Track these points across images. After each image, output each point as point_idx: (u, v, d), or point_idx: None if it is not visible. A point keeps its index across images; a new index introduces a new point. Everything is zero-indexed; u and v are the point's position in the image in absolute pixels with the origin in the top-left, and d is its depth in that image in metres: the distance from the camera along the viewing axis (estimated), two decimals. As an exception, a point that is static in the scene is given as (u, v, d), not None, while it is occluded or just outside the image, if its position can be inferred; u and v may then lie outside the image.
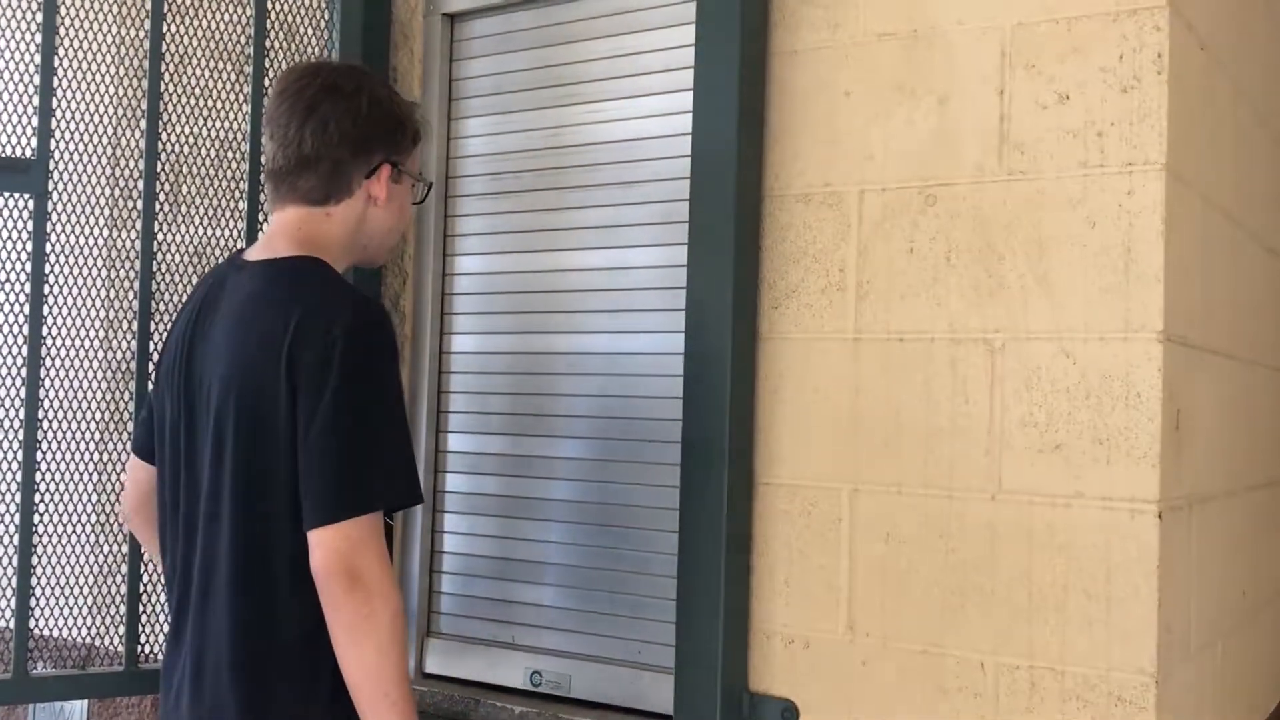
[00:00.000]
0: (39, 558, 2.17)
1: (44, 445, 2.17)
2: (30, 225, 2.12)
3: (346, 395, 1.67)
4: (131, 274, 2.25)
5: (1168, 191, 1.75)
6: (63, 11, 2.16)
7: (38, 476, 2.15)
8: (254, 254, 1.85)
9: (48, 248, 2.14)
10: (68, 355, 2.20)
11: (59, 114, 2.16)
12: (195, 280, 2.28)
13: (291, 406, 1.68)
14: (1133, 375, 1.75)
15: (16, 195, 2.12)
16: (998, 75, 1.86)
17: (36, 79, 2.13)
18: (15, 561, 2.14)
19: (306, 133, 1.80)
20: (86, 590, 2.26)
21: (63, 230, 2.18)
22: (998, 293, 1.85)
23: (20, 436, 2.14)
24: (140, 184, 2.23)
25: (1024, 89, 1.84)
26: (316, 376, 1.67)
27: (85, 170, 2.20)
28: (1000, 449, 1.84)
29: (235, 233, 2.33)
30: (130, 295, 2.25)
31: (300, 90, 1.83)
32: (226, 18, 2.34)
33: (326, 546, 1.66)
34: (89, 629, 2.29)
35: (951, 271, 1.88)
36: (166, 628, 1.90)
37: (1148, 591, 1.73)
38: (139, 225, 2.23)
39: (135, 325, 2.23)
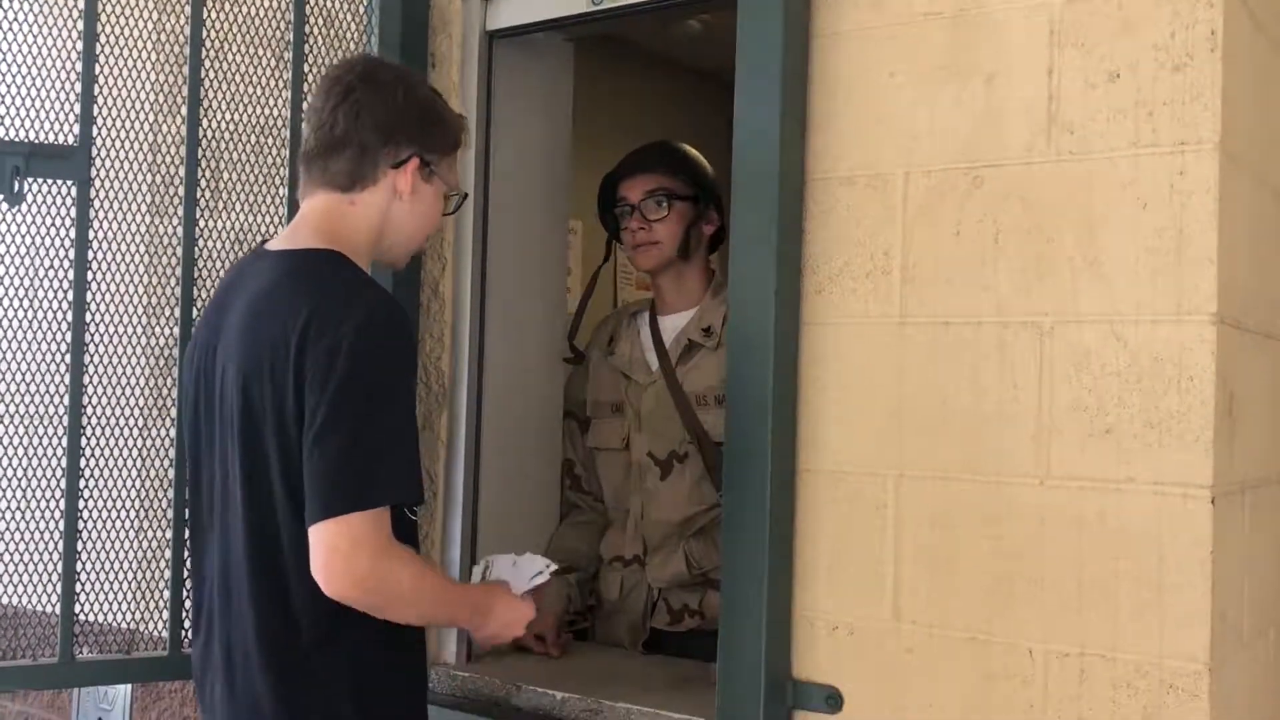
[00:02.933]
0: (83, 544, 2.18)
1: (87, 432, 2.18)
2: (73, 212, 2.13)
3: (350, 391, 1.65)
4: (173, 261, 2.26)
5: (1221, 171, 1.72)
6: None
7: (81, 463, 2.17)
8: (276, 244, 1.85)
9: (90, 235, 2.15)
10: (110, 342, 2.21)
11: (101, 101, 2.17)
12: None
13: (299, 401, 1.66)
14: (1185, 358, 1.72)
15: (60, 182, 2.13)
16: (1046, 54, 1.83)
17: (79, 67, 2.14)
18: (61, 548, 2.15)
19: (339, 115, 1.80)
20: (130, 576, 2.27)
21: (105, 217, 2.19)
22: (1047, 275, 1.82)
23: (64, 424, 2.15)
24: (181, 171, 2.24)
25: (1073, 68, 1.81)
26: (323, 371, 1.65)
27: (127, 157, 2.21)
28: (1049, 434, 1.81)
29: (276, 219, 2.33)
30: (172, 282, 2.26)
31: (339, 78, 1.85)
32: (266, 5, 2.34)
33: (323, 545, 1.63)
34: (133, 615, 2.30)
35: (999, 254, 1.86)
36: (194, 619, 1.90)
37: (1201, 578, 1.70)
38: (180, 212, 2.24)
39: (177, 312, 2.24)
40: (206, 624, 1.84)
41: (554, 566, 2.03)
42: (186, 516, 2.10)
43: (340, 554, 1.62)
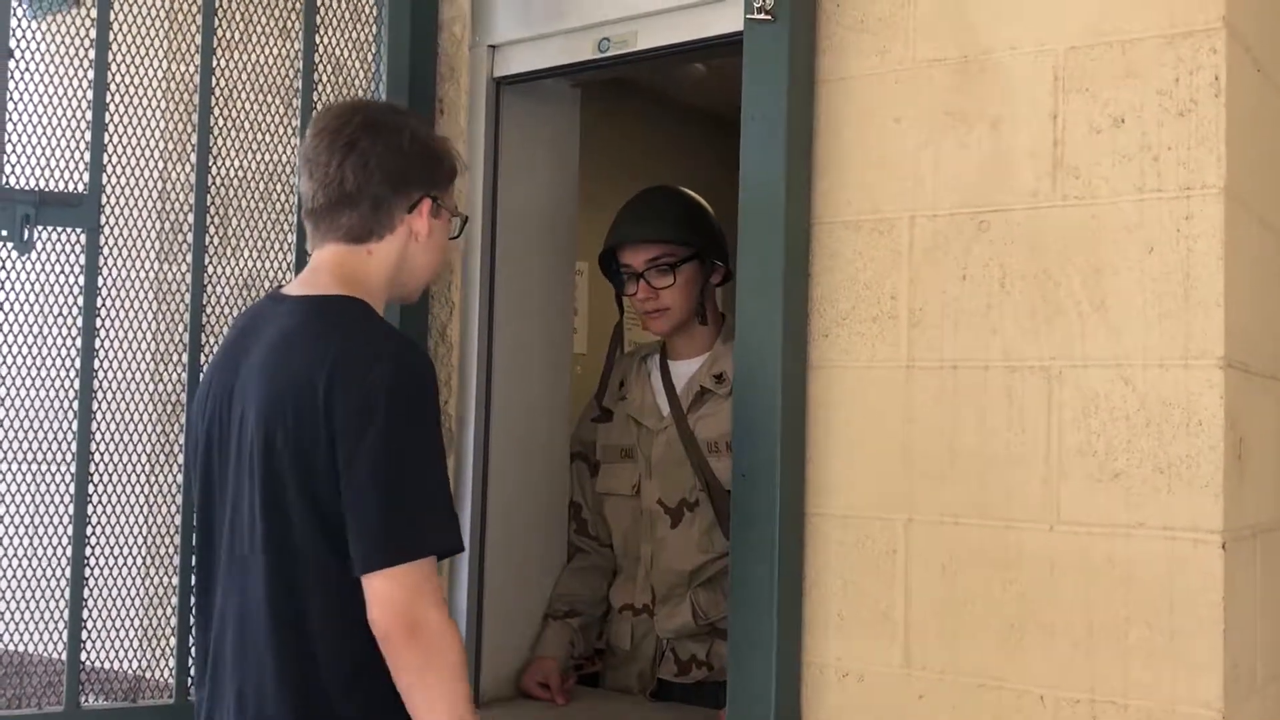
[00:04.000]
0: (90, 590, 2.17)
1: (95, 478, 2.18)
2: (83, 259, 2.14)
3: (392, 441, 1.65)
4: (181, 306, 2.27)
5: (1227, 215, 1.72)
6: (114, 47, 2.18)
7: (89, 509, 2.16)
8: (294, 289, 1.85)
9: (99, 281, 2.16)
10: (118, 388, 2.21)
11: (110, 149, 2.18)
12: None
13: (330, 448, 1.66)
14: (1193, 402, 1.72)
15: (69, 229, 2.14)
16: (1051, 99, 1.84)
17: (89, 115, 2.16)
18: (67, 594, 2.15)
19: (347, 170, 1.79)
20: (136, 623, 2.26)
21: (114, 264, 2.20)
22: (1054, 319, 1.82)
23: (72, 470, 2.15)
24: (190, 217, 2.25)
25: (1078, 113, 1.82)
26: (359, 420, 1.65)
27: (136, 204, 2.22)
28: (1058, 478, 1.80)
29: (284, 265, 2.34)
30: (180, 328, 2.27)
31: (339, 128, 1.82)
32: (275, 52, 2.36)
33: (385, 596, 1.65)
34: (139, 661, 2.29)
35: (1006, 298, 1.86)
36: (199, 662, 1.88)
37: (1212, 623, 1.69)
38: (189, 258, 2.25)
39: (185, 358, 2.24)
40: (214, 668, 1.82)
41: None
42: (193, 562, 2.09)
43: (400, 605, 1.64)
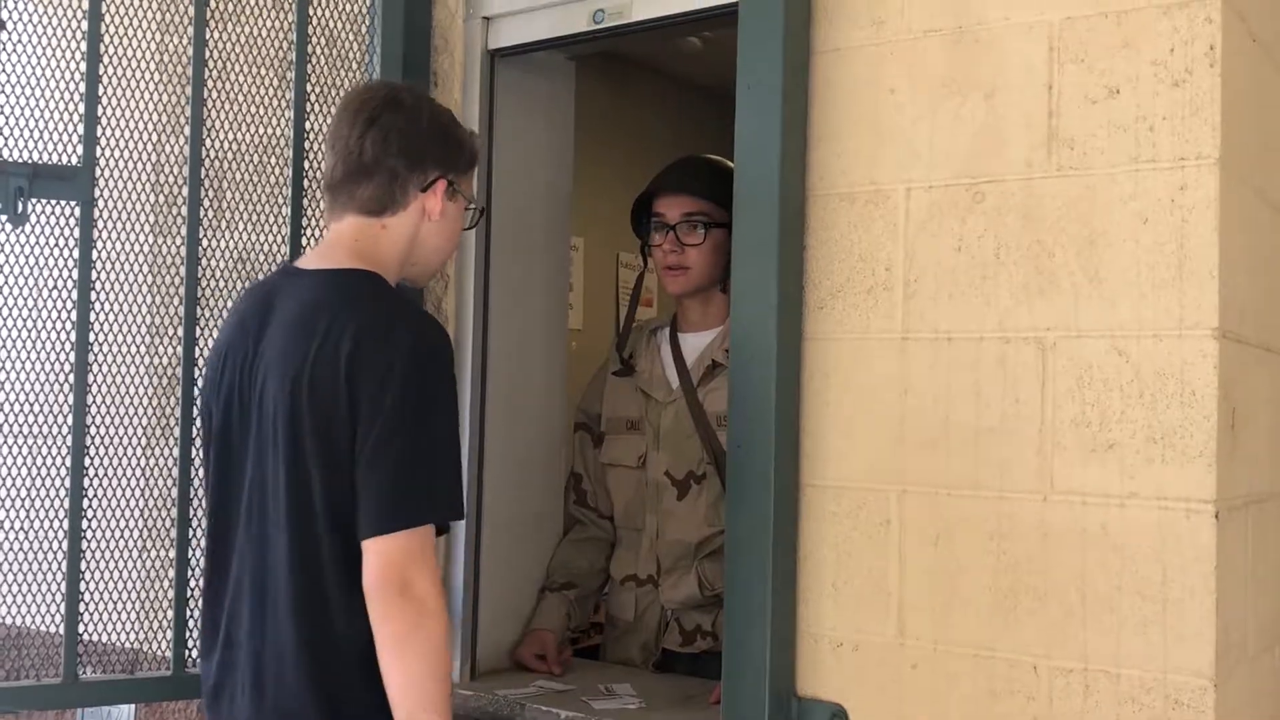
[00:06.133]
0: (87, 564, 2.18)
1: (91, 452, 2.18)
2: (77, 232, 2.14)
3: (406, 412, 1.69)
4: (176, 280, 2.26)
5: (1221, 186, 1.72)
6: (106, 20, 2.17)
7: (85, 483, 2.17)
8: (309, 263, 1.88)
9: (94, 255, 2.16)
10: (114, 362, 2.21)
11: (104, 121, 2.18)
12: (239, 286, 2.29)
13: (352, 417, 1.69)
14: (1187, 373, 1.72)
15: (63, 202, 2.13)
16: (1046, 70, 1.84)
17: (82, 87, 2.15)
18: (65, 567, 2.15)
19: (366, 142, 1.84)
20: (134, 596, 2.27)
21: (108, 237, 2.20)
22: (1048, 290, 1.82)
23: (68, 443, 2.15)
24: (184, 190, 2.25)
25: (1073, 83, 1.82)
26: (378, 393, 1.69)
27: (130, 177, 2.22)
28: (1052, 449, 1.81)
29: (279, 238, 2.34)
30: (175, 301, 2.27)
31: (363, 104, 1.88)
32: (268, 24, 2.35)
33: (380, 557, 1.68)
34: (136, 634, 2.29)
35: (1001, 269, 1.86)
36: (209, 632, 1.89)
37: (1205, 593, 1.70)
38: (183, 232, 2.24)
39: (180, 331, 2.24)
40: (227, 634, 1.84)
41: None
42: (204, 530, 2.08)
43: (394, 566, 1.67)
